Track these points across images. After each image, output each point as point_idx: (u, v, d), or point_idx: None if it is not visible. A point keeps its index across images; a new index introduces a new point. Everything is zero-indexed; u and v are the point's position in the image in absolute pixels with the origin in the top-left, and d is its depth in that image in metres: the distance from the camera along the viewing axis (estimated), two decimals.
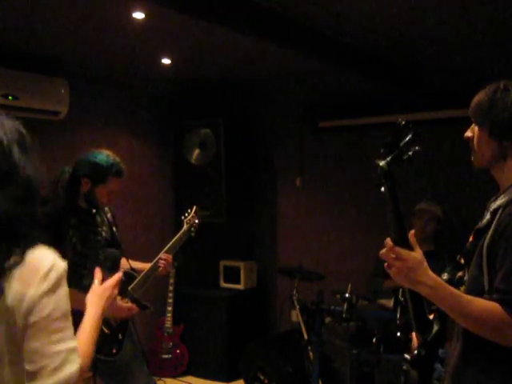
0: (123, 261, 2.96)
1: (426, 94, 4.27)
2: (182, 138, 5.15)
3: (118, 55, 4.20)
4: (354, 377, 3.56)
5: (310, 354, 3.74)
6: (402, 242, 1.51)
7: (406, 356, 1.63)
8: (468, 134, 1.72)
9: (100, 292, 1.68)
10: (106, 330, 2.78)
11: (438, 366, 1.64)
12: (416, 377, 1.61)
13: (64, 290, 1.33)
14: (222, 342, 4.87)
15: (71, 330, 1.35)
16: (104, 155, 2.79)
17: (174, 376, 4.92)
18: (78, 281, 2.65)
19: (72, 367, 1.30)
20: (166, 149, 5.34)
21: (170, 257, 3.06)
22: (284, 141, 5.19)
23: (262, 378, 4.18)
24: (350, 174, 4.81)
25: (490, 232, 1.52)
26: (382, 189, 1.56)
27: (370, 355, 3.44)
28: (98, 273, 1.74)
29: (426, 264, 1.49)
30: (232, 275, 5.12)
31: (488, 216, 1.60)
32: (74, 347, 1.33)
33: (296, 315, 4.01)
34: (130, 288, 2.88)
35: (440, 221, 3.94)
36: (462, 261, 1.67)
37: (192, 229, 3.16)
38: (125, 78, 4.86)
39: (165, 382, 4.81)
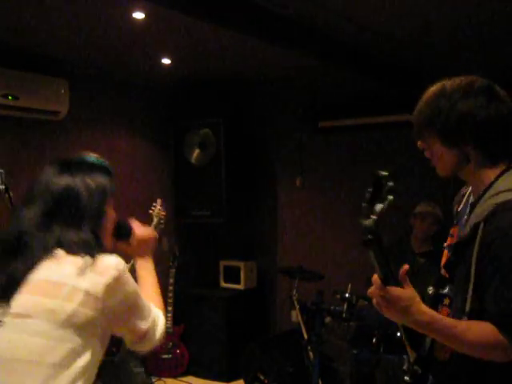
0: None
1: None
2: (182, 138, 5.15)
3: (118, 55, 4.20)
4: (354, 377, 3.56)
5: (310, 353, 3.74)
6: (391, 280, 1.43)
7: (406, 378, 1.59)
8: (420, 144, 1.65)
9: (148, 240, 1.83)
10: None
11: (429, 378, 1.62)
12: None
13: None
14: (221, 342, 4.87)
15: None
16: (94, 157, 2.82)
17: (174, 376, 4.91)
18: None
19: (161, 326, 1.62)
20: (166, 149, 5.34)
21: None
22: (284, 141, 5.19)
23: (262, 377, 4.18)
24: (350, 174, 4.81)
25: (475, 250, 1.45)
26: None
27: (370, 355, 3.44)
28: (135, 221, 1.84)
29: (418, 299, 1.43)
30: (232, 275, 5.12)
31: (468, 229, 1.52)
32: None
33: (296, 315, 4.01)
34: None
35: (440, 222, 3.95)
36: (445, 273, 1.61)
37: (161, 221, 3.15)
38: (125, 77, 4.86)
39: (165, 381, 4.81)
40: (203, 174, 5.04)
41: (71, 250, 1.45)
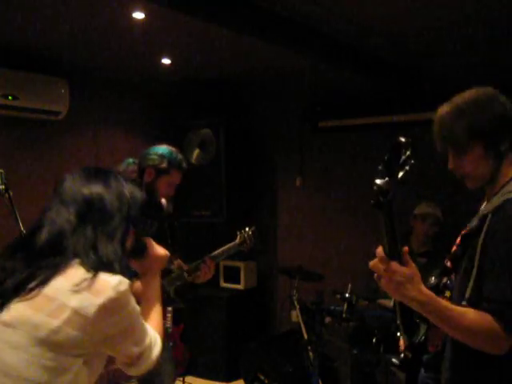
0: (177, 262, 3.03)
1: (426, 94, 4.27)
2: (182, 138, 5.15)
3: (118, 55, 4.20)
4: (354, 377, 3.57)
5: (310, 353, 3.74)
6: (395, 255, 1.44)
7: (394, 360, 1.62)
8: (452, 166, 1.65)
9: (162, 259, 1.77)
10: None
11: (421, 370, 1.63)
12: (403, 379, 1.60)
13: None
14: (221, 342, 4.87)
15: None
16: (169, 148, 2.92)
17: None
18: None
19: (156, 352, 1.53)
20: None
21: (213, 263, 2.97)
22: (284, 141, 5.19)
23: (262, 377, 4.18)
24: (349, 174, 4.81)
25: (481, 239, 1.49)
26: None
27: (370, 355, 3.44)
28: (149, 239, 1.78)
29: (417, 278, 1.44)
30: (232, 275, 5.12)
31: (476, 221, 1.56)
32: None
33: (296, 315, 4.01)
34: (164, 281, 2.84)
35: (440, 222, 3.95)
36: (449, 265, 1.64)
37: (244, 244, 3.06)
38: (125, 77, 4.86)
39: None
40: (203, 174, 5.03)
41: (87, 261, 1.39)
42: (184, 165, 2.96)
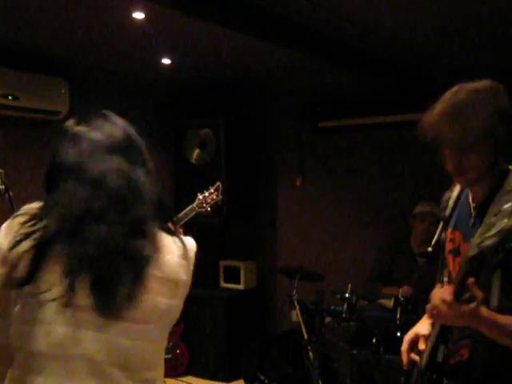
0: None
1: (426, 94, 4.26)
2: (182, 138, 5.15)
3: (118, 55, 4.20)
4: (354, 377, 3.56)
5: (310, 353, 3.74)
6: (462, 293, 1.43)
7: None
8: (450, 168, 1.59)
9: None
10: None
11: (443, 380, 1.62)
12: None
13: None
14: (222, 342, 4.87)
15: None
16: None
17: (174, 376, 4.91)
18: None
19: None
20: (166, 149, 5.34)
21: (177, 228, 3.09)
22: (284, 141, 5.19)
23: (262, 377, 4.18)
24: (349, 174, 4.81)
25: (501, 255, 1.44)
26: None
27: (370, 355, 3.44)
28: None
29: (481, 313, 1.41)
30: (232, 275, 5.12)
31: (496, 236, 1.45)
32: None
33: (296, 315, 4.01)
34: None
35: (440, 222, 3.94)
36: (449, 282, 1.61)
37: (204, 204, 3.17)
38: (125, 78, 4.86)
39: (165, 382, 4.79)
40: (203, 174, 5.03)
41: (157, 223, 1.28)
42: None
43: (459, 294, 1.43)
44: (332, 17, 3.29)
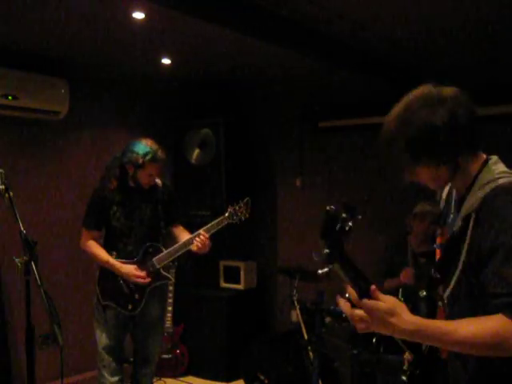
0: (178, 230, 3.50)
1: None
2: (182, 138, 5.15)
3: (118, 55, 4.20)
4: (354, 377, 3.56)
5: (310, 354, 3.74)
6: (366, 294, 1.38)
7: (403, 378, 1.57)
8: (410, 178, 1.56)
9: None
10: (126, 290, 3.34)
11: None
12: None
13: None
14: (221, 342, 4.87)
15: None
16: (143, 144, 3.30)
17: (174, 376, 4.91)
18: (124, 247, 3.34)
19: None
20: (166, 149, 5.33)
21: (206, 235, 3.30)
22: (284, 141, 5.19)
23: (262, 377, 4.18)
24: (349, 174, 4.81)
25: (467, 239, 1.42)
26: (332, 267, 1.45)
27: (370, 355, 3.44)
28: None
29: (399, 309, 1.36)
30: (232, 275, 5.12)
31: (460, 223, 1.49)
32: None
33: (296, 315, 4.01)
34: (154, 259, 3.34)
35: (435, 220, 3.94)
36: (438, 275, 1.57)
37: (234, 217, 3.37)
38: (125, 77, 4.86)
39: (165, 381, 4.81)
40: (203, 173, 5.03)
41: None
42: (158, 157, 3.31)
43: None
44: (332, 17, 3.30)
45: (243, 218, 3.41)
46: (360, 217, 1.42)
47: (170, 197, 3.51)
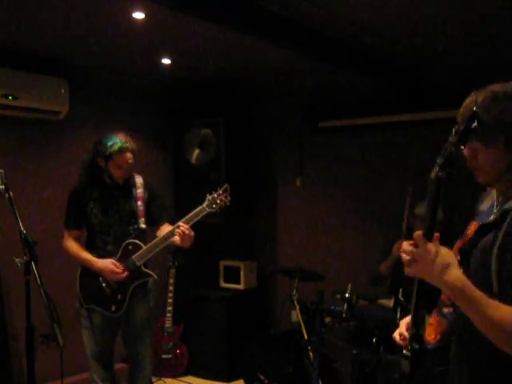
0: (163, 227, 3.36)
1: (426, 93, 4.27)
2: (182, 138, 5.15)
3: (118, 55, 4.20)
4: (354, 377, 3.56)
5: (310, 354, 3.74)
6: (431, 239, 1.48)
7: (406, 352, 1.60)
8: (468, 152, 1.58)
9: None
10: (108, 290, 3.25)
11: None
12: (407, 368, 1.59)
13: None
14: (221, 342, 4.87)
15: None
16: (111, 136, 3.24)
17: (174, 376, 4.91)
18: (103, 246, 3.27)
19: None
20: (166, 149, 5.34)
21: (186, 226, 3.15)
22: (284, 141, 5.19)
23: (261, 377, 4.18)
24: (350, 174, 4.81)
25: (501, 234, 1.45)
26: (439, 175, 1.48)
27: (370, 355, 3.44)
28: None
29: (454, 262, 1.43)
30: (232, 275, 5.12)
31: (497, 214, 1.53)
32: None
33: (296, 315, 4.01)
34: (133, 256, 3.23)
35: (441, 223, 3.94)
36: (459, 258, 1.59)
37: (213, 206, 3.20)
38: (125, 77, 4.86)
39: (165, 381, 4.81)
40: (203, 174, 5.03)
41: None
42: (125, 146, 3.21)
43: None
44: (332, 17, 3.30)
45: (223, 206, 3.24)
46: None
47: (150, 195, 3.41)
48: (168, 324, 4.85)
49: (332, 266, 4.71)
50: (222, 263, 5.18)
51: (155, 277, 3.35)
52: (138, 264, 3.23)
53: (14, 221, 2.38)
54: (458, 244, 1.68)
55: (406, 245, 1.51)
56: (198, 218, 3.21)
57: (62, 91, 4.19)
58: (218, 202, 3.22)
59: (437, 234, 1.49)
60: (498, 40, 3.76)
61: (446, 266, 1.42)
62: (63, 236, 3.35)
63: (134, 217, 3.30)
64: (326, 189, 4.97)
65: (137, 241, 3.28)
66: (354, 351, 3.54)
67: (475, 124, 1.40)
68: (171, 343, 4.89)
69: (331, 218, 4.94)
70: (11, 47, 3.92)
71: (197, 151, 5.11)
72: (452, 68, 4.20)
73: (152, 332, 3.53)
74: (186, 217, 3.21)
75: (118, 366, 4.36)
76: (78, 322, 3.30)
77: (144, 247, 3.25)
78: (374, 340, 3.42)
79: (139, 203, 3.32)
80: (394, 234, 4.32)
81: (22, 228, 2.35)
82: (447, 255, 1.44)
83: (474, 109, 1.43)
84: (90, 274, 3.25)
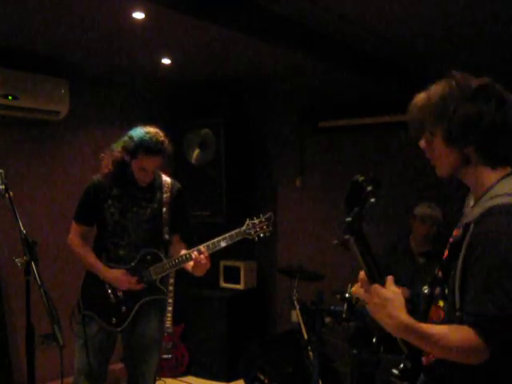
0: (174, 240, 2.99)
1: None
2: (181, 138, 5.15)
3: (118, 55, 4.20)
4: (354, 377, 3.56)
5: (310, 353, 3.74)
6: (376, 280, 1.47)
7: (394, 371, 1.59)
8: (422, 143, 1.62)
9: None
10: (113, 300, 2.87)
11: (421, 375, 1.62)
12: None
13: None
14: (221, 342, 4.87)
15: None
16: (142, 130, 2.86)
17: (174, 376, 4.92)
18: (115, 250, 2.86)
19: None
20: None
21: (206, 253, 2.87)
22: (284, 141, 5.19)
23: (261, 377, 4.18)
24: (349, 174, 4.78)
25: (463, 250, 1.46)
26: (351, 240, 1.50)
27: (370, 355, 3.44)
28: None
29: (399, 303, 1.43)
30: (232, 275, 5.12)
31: (461, 230, 1.52)
32: None
33: (296, 315, 4.01)
34: (151, 268, 2.87)
35: (440, 223, 3.95)
36: (440, 274, 1.60)
37: (252, 232, 2.85)
38: (125, 78, 4.86)
39: (165, 381, 4.81)
40: (203, 174, 5.03)
41: None
42: (154, 148, 2.81)
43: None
44: (332, 17, 3.30)
45: (261, 236, 2.86)
46: (373, 200, 1.43)
47: (177, 201, 2.99)
48: (168, 324, 4.84)
49: (332, 266, 4.71)
50: (222, 263, 5.18)
51: (167, 297, 3.04)
52: (154, 278, 2.88)
53: (14, 221, 2.38)
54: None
55: (355, 287, 1.54)
56: (233, 241, 2.87)
57: (62, 91, 4.19)
58: (258, 229, 2.85)
59: (389, 277, 1.48)
60: (498, 40, 3.76)
61: (388, 304, 1.43)
62: (70, 229, 3.01)
63: (156, 224, 2.91)
64: (326, 189, 4.97)
65: (158, 252, 2.92)
66: (354, 351, 3.54)
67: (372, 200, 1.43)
68: (171, 343, 4.89)
69: (331, 218, 4.93)
70: (11, 47, 3.91)
71: (197, 151, 5.11)
72: (452, 68, 4.20)
73: (159, 357, 3.06)
74: (216, 239, 2.87)
75: (118, 365, 4.38)
76: (71, 328, 2.88)
77: (165, 260, 2.90)
78: (374, 340, 3.42)
79: (164, 210, 2.92)
80: (394, 234, 4.33)
81: (22, 228, 2.35)
82: (388, 293, 1.44)
83: (360, 179, 1.49)
84: (95, 278, 2.89)
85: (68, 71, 4.33)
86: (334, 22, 3.38)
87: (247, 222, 2.87)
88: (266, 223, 2.86)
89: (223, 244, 2.90)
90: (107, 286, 2.87)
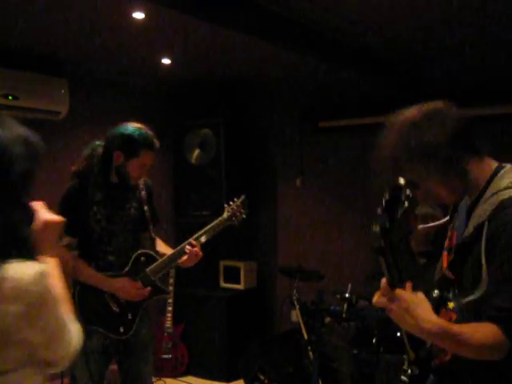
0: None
1: (427, 94, 4.26)
2: (182, 138, 5.15)
3: (118, 55, 4.20)
4: (354, 377, 3.56)
5: (310, 353, 3.74)
6: (398, 285, 1.46)
7: (403, 377, 1.59)
8: (420, 196, 1.60)
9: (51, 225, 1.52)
10: (116, 309, 2.75)
11: (430, 376, 1.62)
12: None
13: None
14: (222, 342, 4.87)
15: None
16: (136, 127, 2.74)
17: (174, 376, 4.92)
18: (104, 256, 2.73)
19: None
20: (166, 149, 5.33)
21: (197, 245, 2.78)
22: (284, 141, 5.19)
23: (261, 377, 4.18)
24: (349, 174, 4.81)
25: (483, 249, 1.45)
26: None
27: (370, 355, 3.44)
28: (38, 203, 1.54)
29: (426, 305, 1.44)
30: (232, 275, 5.12)
31: (471, 230, 1.52)
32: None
33: (296, 315, 4.01)
34: (148, 269, 2.78)
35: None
36: (451, 275, 1.59)
37: (233, 218, 2.86)
38: (125, 78, 4.86)
39: (165, 381, 4.81)
40: (203, 174, 5.03)
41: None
42: (154, 142, 2.75)
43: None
44: (332, 17, 3.30)
45: (241, 220, 2.90)
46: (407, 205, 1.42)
47: (151, 196, 2.94)
48: (168, 324, 4.84)
49: (332, 266, 4.71)
50: (222, 263, 5.18)
51: (171, 292, 2.97)
52: (153, 279, 2.79)
53: None
54: (444, 254, 1.67)
55: (376, 296, 1.53)
56: (215, 232, 2.84)
57: (62, 91, 4.19)
58: (238, 214, 2.87)
59: (409, 283, 1.48)
60: (498, 40, 3.76)
61: (415, 308, 1.43)
62: None
63: (141, 223, 2.84)
64: (326, 189, 4.97)
65: (151, 252, 2.84)
66: (354, 351, 3.54)
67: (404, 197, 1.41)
68: (171, 343, 4.89)
69: (331, 218, 4.94)
70: (11, 47, 3.91)
71: (197, 151, 5.11)
72: (452, 68, 4.20)
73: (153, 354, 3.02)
74: (203, 230, 2.82)
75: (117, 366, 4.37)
76: None
77: (159, 259, 2.81)
78: (374, 340, 3.42)
79: (145, 208, 2.85)
80: None
81: None
82: (414, 297, 1.45)
83: (401, 182, 1.44)
84: (91, 290, 2.72)
85: (68, 71, 4.33)
86: (334, 21, 3.39)
87: (227, 209, 2.88)
88: (242, 206, 2.89)
89: (211, 235, 2.85)
90: (106, 296, 2.74)
